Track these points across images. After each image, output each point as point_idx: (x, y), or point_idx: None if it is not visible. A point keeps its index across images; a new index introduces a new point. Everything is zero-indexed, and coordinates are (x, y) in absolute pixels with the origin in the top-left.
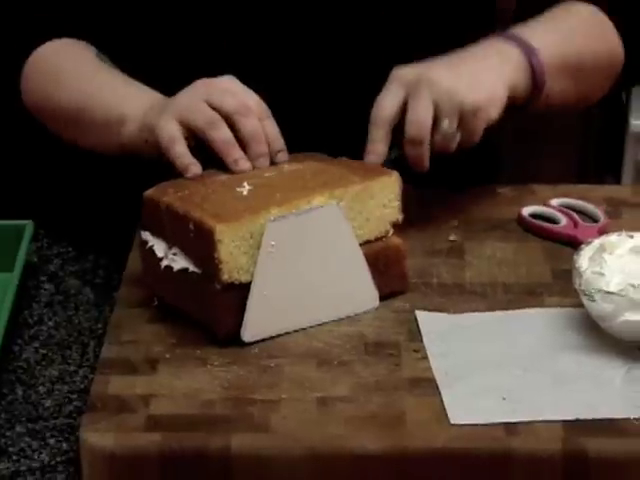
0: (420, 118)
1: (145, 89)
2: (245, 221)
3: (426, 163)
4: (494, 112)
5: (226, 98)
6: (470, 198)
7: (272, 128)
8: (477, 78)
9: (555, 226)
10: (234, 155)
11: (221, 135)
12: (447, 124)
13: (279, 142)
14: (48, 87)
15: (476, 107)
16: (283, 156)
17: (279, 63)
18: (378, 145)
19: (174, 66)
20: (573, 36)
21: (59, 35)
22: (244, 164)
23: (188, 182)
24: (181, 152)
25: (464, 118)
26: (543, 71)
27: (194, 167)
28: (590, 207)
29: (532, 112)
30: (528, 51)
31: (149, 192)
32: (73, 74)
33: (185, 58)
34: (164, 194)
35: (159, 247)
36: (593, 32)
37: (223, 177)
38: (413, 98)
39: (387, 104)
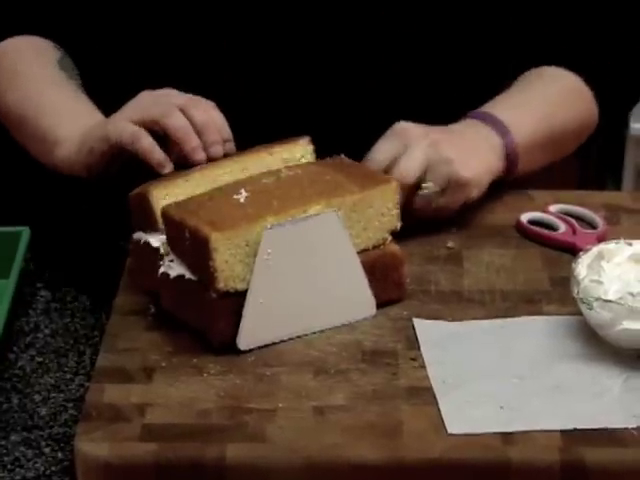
0: (408, 167)
1: (89, 110)
2: (241, 229)
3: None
4: (476, 193)
5: (172, 96)
6: (468, 204)
7: (219, 119)
8: (470, 158)
9: (553, 233)
10: (192, 142)
11: (178, 122)
12: (432, 186)
13: (227, 132)
14: (1, 84)
15: (464, 183)
16: (230, 146)
17: (279, 63)
18: None
19: (175, 66)
20: (550, 111)
21: (27, 31)
22: (200, 153)
23: (172, 180)
24: (150, 144)
25: (449, 189)
26: (517, 160)
27: (168, 163)
28: (589, 213)
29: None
30: (509, 143)
31: (134, 191)
32: (26, 78)
33: (185, 58)
34: (150, 190)
35: (154, 239)
36: (567, 102)
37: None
38: (410, 149)
39: (382, 149)
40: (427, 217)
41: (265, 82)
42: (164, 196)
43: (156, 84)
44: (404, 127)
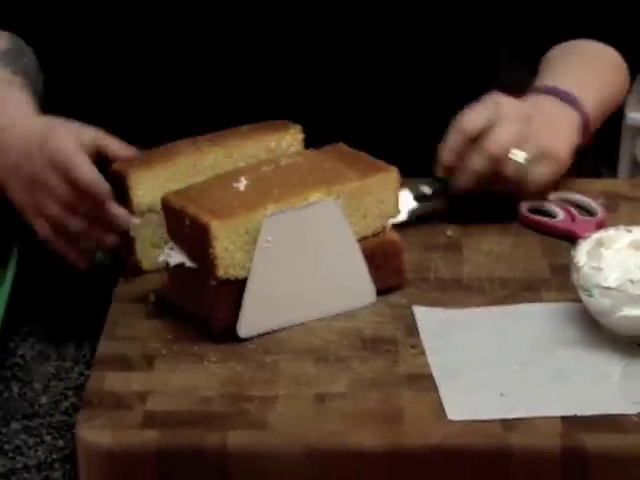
0: (502, 137)
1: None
2: (241, 217)
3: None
4: (564, 167)
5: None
6: (467, 192)
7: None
8: (558, 133)
9: (553, 220)
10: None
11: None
12: (524, 154)
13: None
14: None
15: (554, 157)
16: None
17: (278, 63)
18: (448, 152)
19: (175, 66)
20: (603, 83)
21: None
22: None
23: (153, 164)
24: (64, 247)
25: (540, 161)
26: (589, 133)
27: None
28: (588, 201)
29: None
30: (584, 117)
31: (115, 166)
32: None
33: (186, 58)
34: (130, 165)
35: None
36: (614, 74)
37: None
38: (504, 120)
39: (474, 117)
40: (517, 188)
41: (264, 82)
42: (141, 181)
43: (156, 85)
44: (497, 99)
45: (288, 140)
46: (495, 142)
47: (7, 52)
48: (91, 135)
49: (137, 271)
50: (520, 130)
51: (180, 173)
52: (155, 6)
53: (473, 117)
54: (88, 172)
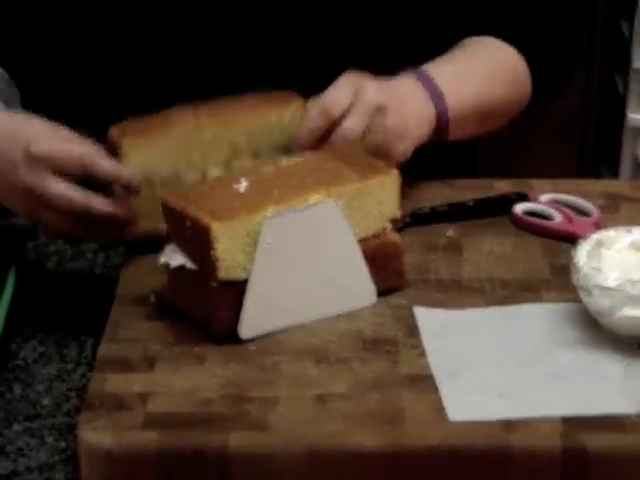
0: (353, 129)
1: None
2: (242, 219)
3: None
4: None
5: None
6: (467, 193)
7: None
8: (406, 132)
9: (551, 223)
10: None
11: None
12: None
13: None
14: None
15: (392, 156)
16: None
17: (277, 63)
18: (310, 133)
19: (175, 67)
20: (486, 85)
21: None
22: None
23: (149, 134)
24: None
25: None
26: (447, 129)
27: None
28: (580, 201)
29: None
30: (442, 113)
31: (114, 128)
32: None
33: (185, 58)
34: (124, 133)
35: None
36: (504, 77)
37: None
38: (359, 110)
39: (341, 101)
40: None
41: (264, 82)
42: (134, 151)
43: (156, 87)
44: (363, 83)
45: (290, 113)
46: (343, 132)
47: None
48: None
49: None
50: (369, 123)
51: (176, 144)
52: (156, 6)
53: (339, 100)
54: (110, 164)
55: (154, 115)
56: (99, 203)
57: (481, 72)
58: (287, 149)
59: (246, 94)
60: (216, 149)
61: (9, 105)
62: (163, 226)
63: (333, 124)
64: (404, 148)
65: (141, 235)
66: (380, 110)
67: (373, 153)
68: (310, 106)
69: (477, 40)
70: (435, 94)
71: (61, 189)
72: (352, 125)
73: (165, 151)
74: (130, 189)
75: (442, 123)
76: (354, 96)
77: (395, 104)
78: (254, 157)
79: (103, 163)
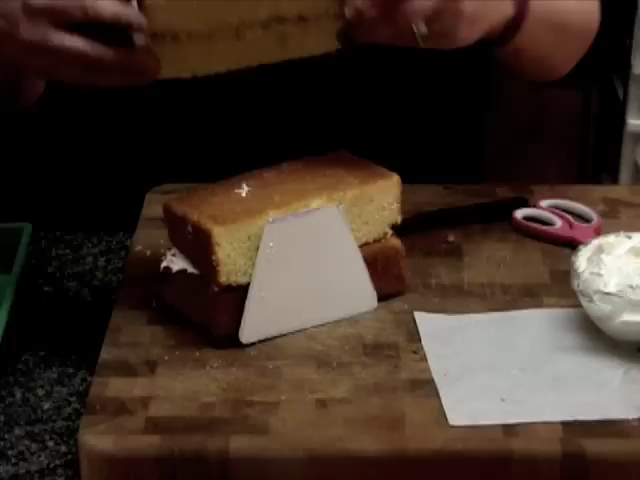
0: (417, 9)
1: None
2: (243, 224)
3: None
4: (465, 40)
5: None
6: (468, 198)
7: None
8: (480, 17)
9: (552, 228)
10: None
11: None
12: (424, 33)
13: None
14: None
15: (457, 42)
16: None
17: (278, 75)
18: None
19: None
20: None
21: None
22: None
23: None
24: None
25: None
26: (525, 15)
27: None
28: (581, 207)
29: (501, 56)
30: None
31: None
32: None
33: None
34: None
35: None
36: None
37: None
38: None
39: None
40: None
41: (263, 84)
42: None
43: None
44: None
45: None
46: (409, 8)
47: None
48: None
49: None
50: (441, 5)
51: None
52: None
53: None
54: (111, 4)
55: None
56: (110, 53)
57: None
58: (338, 15)
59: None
60: (254, 7)
61: None
62: (185, 75)
63: None
64: (470, 35)
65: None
66: None
67: (432, 36)
68: None
69: None
70: None
71: (67, 41)
72: (416, 7)
73: (194, 4)
74: (135, 28)
75: (518, 17)
76: None
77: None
78: (297, 22)
79: (104, 3)
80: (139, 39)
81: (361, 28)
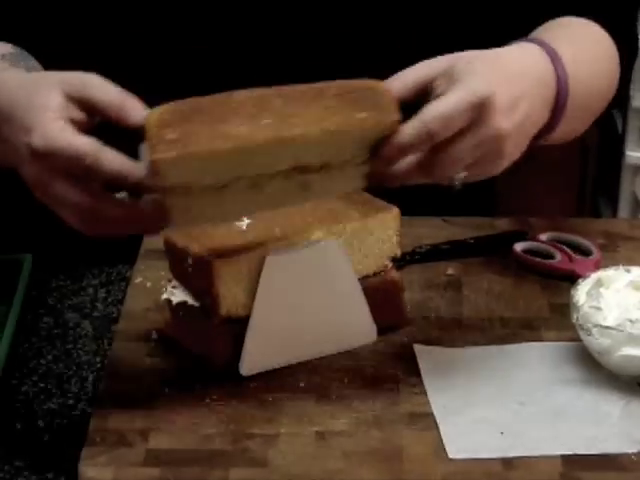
0: (457, 162)
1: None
2: (243, 256)
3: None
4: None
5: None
6: (467, 231)
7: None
8: (527, 134)
9: (551, 261)
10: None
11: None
12: (462, 179)
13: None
14: None
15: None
16: None
17: (276, 64)
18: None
19: (173, 68)
20: (597, 71)
21: None
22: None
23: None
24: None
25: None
26: (562, 116)
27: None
28: (581, 240)
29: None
30: (563, 94)
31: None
32: None
33: (183, 59)
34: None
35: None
36: (607, 65)
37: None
38: (474, 137)
39: (454, 122)
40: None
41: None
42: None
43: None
44: (491, 102)
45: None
46: (445, 160)
47: (14, 54)
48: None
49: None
50: (483, 153)
51: (225, 151)
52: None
53: (452, 121)
54: (114, 161)
55: (205, 100)
56: (111, 207)
57: (591, 55)
58: (366, 165)
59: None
60: (275, 161)
61: None
62: (201, 224)
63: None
64: (508, 164)
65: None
66: (502, 138)
67: (470, 177)
68: (401, 95)
69: (567, 21)
70: (560, 79)
71: (67, 192)
72: (460, 154)
73: (208, 157)
74: (143, 189)
75: (555, 119)
76: (474, 117)
77: (522, 121)
78: (321, 169)
79: (106, 162)
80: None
81: (393, 174)
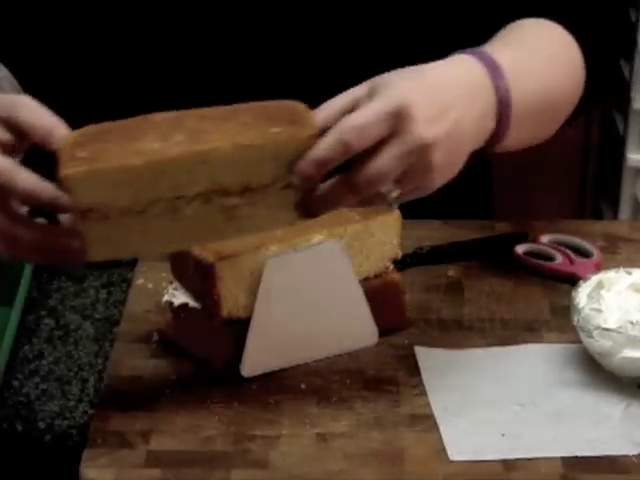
0: (379, 173)
1: None
2: (245, 258)
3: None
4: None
5: None
6: (468, 233)
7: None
8: (456, 160)
9: (552, 263)
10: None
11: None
12: (395, 197)
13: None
14: None
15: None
16: None
17: (276, 64)
18: (317, 164)
19: (173, 68)
20: (551, 75)
21: None
22: None
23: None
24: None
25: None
26: (504, 137)
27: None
28: (580, 242)
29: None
30: (506, 112)
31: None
32: None
33: (183, 59)
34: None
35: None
36: (569, 69)
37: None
38: (397, 149)
39: (370, 133)
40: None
41: (262, 86)
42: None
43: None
44: (410, 111)
45: (296, 137)
46: (368, 174)
47: None
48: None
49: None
50: (408, 166)
51: (136, 171)
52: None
53: (369, 131)
54: (27, 179)
55: (120, 123)
56: (25, 230)
57: (542, 59)
58: (290, 190)
59: (238, 104)
60: (191, 180)
61: None
62: (123, 256)
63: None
64: (447, 178)
65: (91, 263)
66: (427, 148)
67: (403, 194)
68: (326, 122)
69: (527, 23)
70: (500, 88)
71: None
72: (383, 168)
73: (119, 173)
74: (57, 208)
75: (501, 128)
76: (392, 127)
77: (449, 130)
78: (242, 193)
79: (19, 181)
80: (62, 216)
81: (320, 198)
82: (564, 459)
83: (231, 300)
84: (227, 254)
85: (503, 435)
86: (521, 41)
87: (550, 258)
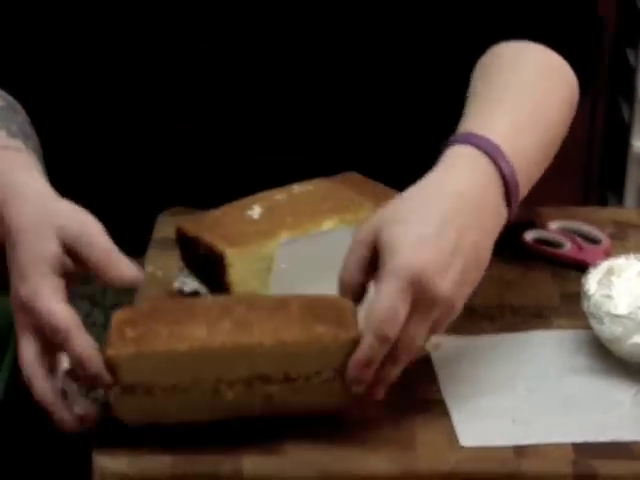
0: (391, 314)
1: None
2: (255, 245)
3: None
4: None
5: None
6: None
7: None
8: (472, 275)
9: (561, 250)
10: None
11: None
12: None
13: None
14: None
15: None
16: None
17: (276, 65)
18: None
19: (173, 68)
20: (540, 112)
21: None
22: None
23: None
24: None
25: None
26: (518, 197)
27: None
28: (590, 229)
29: None
30: (512, 183)
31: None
32: None
33: (183, 59)
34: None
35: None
36: (551, 86)
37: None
38: (423, 313)
39: (397, 319)
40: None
41: (262, 91)
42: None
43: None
44: (428, 284)
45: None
46: (406, 344)
47: (2, 109)
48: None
49: None
50: (435, 317)
51: (179, 355)
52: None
53: (395, 315)
54: (82, 346)
55: (172, 303)
56: (65, 415)
57: (532, 101)
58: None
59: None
60: (233, 368)
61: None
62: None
63: None
64: (460, 308)
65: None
66: (449, 299)
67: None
68: (363, 325)
69: (513, 50)
70: (504, 168)
71: (24, 350)
72: (415, 333)
73: (164, 357)
74: (98, 383)
75: (512, 203)
76: (413, 296)
77: (464, 266)
78: (284, 382)
79: (77, 346)
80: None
81: (372, 384)
82: (575, 445)
83: (242, 287)
84: (238, 241)
85: (514, 421)
86: (507, 90)
87: (559, 245)
